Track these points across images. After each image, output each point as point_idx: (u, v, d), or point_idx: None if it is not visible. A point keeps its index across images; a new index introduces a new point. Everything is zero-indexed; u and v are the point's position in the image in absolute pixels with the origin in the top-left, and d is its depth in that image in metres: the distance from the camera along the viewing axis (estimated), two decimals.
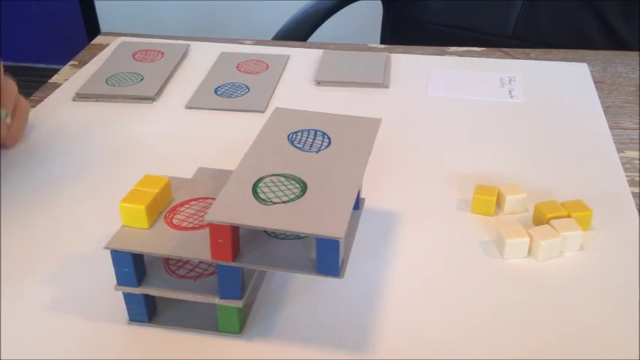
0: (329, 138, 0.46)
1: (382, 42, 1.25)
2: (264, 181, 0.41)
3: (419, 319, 0.45)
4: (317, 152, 0.45)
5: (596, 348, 0.42)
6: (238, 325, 0.43)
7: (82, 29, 2.04)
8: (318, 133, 0.47)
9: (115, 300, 0.44)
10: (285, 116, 0.49)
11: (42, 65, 2.21)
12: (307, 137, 0.46)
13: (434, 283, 0.48)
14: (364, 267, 0.49)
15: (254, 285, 0.45)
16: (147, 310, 0.44)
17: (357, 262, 0.49)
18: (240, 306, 0.41)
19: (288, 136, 0.46)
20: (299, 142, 0.45)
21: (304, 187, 0.41)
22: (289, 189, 0.41)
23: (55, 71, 0.80)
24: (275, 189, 0.41)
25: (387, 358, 0.42)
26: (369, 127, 0.47)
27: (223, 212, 0.38)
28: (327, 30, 1.14)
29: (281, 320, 0.45)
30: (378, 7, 1.26)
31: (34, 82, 0.78)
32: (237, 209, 0.39)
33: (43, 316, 0.45)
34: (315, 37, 1.09)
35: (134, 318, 0.44)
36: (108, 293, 0.45)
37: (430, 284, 0.47)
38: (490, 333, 0.44)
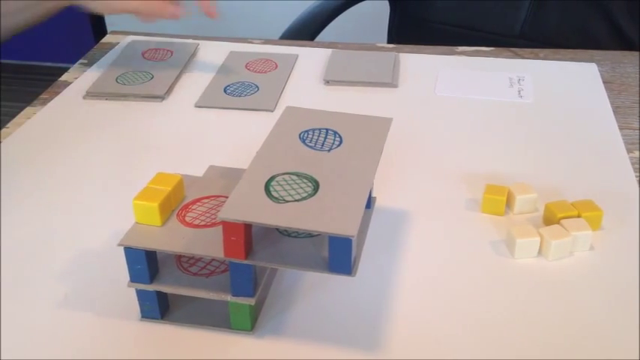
0: (340, 137, 0.46)
1: (389, 42, 1.25)
2: (276, 179, 0.42)
3: (429, 318, 0.45)
4: (328, 151, 0.45)
5: (606, 347, 0.43)
6: (250, 322, 0.43)
7: (88, 28, 2.05)
8: (330, 132, 0.47)
9: (128, 297, 0.45)
10: (296, 115, 0.49)
11: (48, 64, 2.22)
12: (319, 136, 0.46)
13: (444, 282, 0.48)
14: (375, 265, 0.49)
15: (265, 283, 0.45)
16: (159, 307, 0.44)
17: (368, 260, 0.49)
18: (252, 303, 0.42)
19: (300, 134, 0.46)
20: (310, 141, 0.46)
21: (316, 186, 0.41)
22: (301, 187, 0.41)
23: (63, 70, 0.80)
24: (287, 187, 0.41)
25: (398, 356, 0.42)
26: (380, 127, 0.47)
27: (236, 210, 0.39)
28: (333, 30, 1.14)
29: (292, 318, 0.45)
30: (385, 7, 1.26)
31: (41, 81, 0.78)
32: (250, 207, 0.39)
33: (55, 312, 0.46)
34: (321, 37, 1.09)
35: (146, 315, 0.44)
36: (120, 290, 0.45)
37: (440, 283, 0.48)
38: (500, 332, 0.44)
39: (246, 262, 0.40)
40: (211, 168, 0.52)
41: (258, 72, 0.78)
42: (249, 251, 0.40)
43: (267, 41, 0.87)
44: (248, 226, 0.39)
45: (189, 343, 0.43)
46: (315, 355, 0.42)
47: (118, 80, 0.75)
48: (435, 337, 0.44)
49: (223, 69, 0.78)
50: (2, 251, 0.51)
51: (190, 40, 0.86)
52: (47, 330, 0.44)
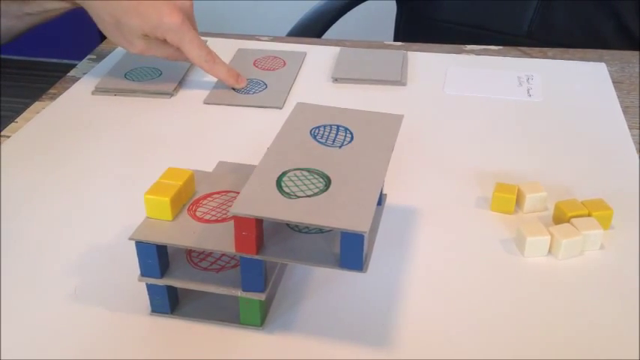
0: (351, 133, 0.46)
1: (395, 41, 1.25)
2: (287, 175, 0.42)
3: (438, 316, 0.45)
4: (339, 147, 0.45)
5: (616, 347, 0.42)
6: (260, 318, 0.43)
7: (93, 25, 2.05)
8: (341, 128, 0.47)
9: (138, 291, 0.45)
10: (307, 111, 0.49)
11: (53, 60, 2.22)
12: (330, 132, 0.46)
13: (454, 280, 0.48)
14: (384, 262, 0.49)
15: (276, 278, 0.45)
16: (169, 302, 0.44)
17: (378, 257, 0.49)
18: (263, 299, 0.42)
19: (311, 131, 0.46)
20: (321, 137, 0.46)
21: (328, 182, 0.41)
22: (313, 183, 0.41)
23: (67, 66, 0.80)
24: (299, 183, 0.41)
25: (407, 353, 0.42)
26: (391, 123, 0.47)
27: (248, 205, 0.39)
28: (339, 29, 1.14)
29: (302, 314, 0.45)
30: (391, 6, 1.25)
31: (45, 77, 0.78)
32: (261, 202, 0.39)
33: (65, 305, 0.46)
34: (328, 35, 1.09)
35: (156, 309, 0.44)
36: (130, 284, 0.45)
37: (450, 281, 0.48)
38: (509, 331, 0.44)
39: (257, 257, 0.40)
40: (221, 164, 0.52)
41: (267, 69, 0.78)
42: (260, 246, 0.40)
43: (274, 38, 0.87)
44: (259, 222, 0.39)
45: (199, 338, 0.43)
46: (324, 351, 0.42)
47: (127, 76, 0.75)
48: (444, 334, 0.43)
49: (231, 66, 0.78)
50: (12, 245, 0.51)
51: None
52: (57, 324, 0.44)
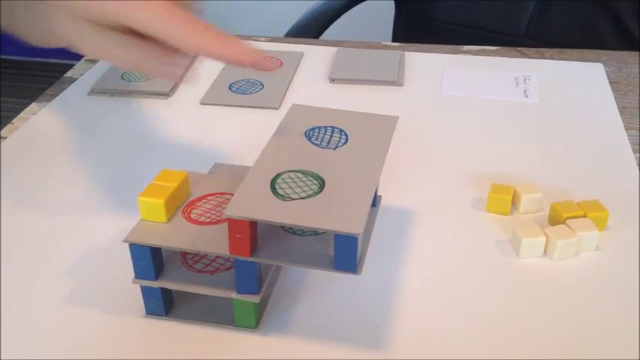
0: (346, 135, 0.46)
1: (394, 41, 1.25)
2: (282, 177, 0.41)
3: (434, 317, 0.45)
4: (334, 149, 0.45)
5: (611, 347, 0.42)
6: (254, 319, 0.43)
7: None
8: (336, 130, 0.47)
9: (132, 293, 0.45)
10: (302, 113, 0.49)
11: (50, 60, 2.22)
12: (324, 134, 0.46)
13: (449, 281, 0.48)
14: (379, 264, 0.49)
15: (270, 280, 0.45)
16: (164, 304, 0.44)
17: (373, 259, 0.48)
18: (257, 301, 0.42)
19: (306, 132, 0.46)
20: (316, 139, 0.46)
21: (322, 184, 0.41)
22: (307, 185, 0.41)
23: (64, 66, 0.80)
24: (293, 185, 0.41)
25: (402, 355, 0.42)
26: (386, 125, 0.47)
27: (242, 207, 0.39)
28: (338, 29, 1.13)
29: (297, 316, 0.45)
30: (390, 6, 1.25)
31: (46, 77, 0.78)
32: (255, 205, 0.39)
33: (60, 307, 0.46)
34: (326, 35, 1.09)
35: (151, 311, 0.44)
36: (125, 286, 0.45)
37: (445, 282, 0.48)
38: (504, 332, 0.44)
39: (251, 259, 0.40)
40: (217, 165, 0.52)
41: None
42: (254, 248, 0.40)
43: (272, 39, 0.87)
44: (253, 224, 0.39)
45: (193, 339, 0.43)
46: (319, 353, 0.42)
47: (124, 77, 0.75)
48: (439, 336, 0.43)
49: (228, 66, 0.78)
50: (7, 247, 0.51)
51: None
52: (52, 326, 0.44)
